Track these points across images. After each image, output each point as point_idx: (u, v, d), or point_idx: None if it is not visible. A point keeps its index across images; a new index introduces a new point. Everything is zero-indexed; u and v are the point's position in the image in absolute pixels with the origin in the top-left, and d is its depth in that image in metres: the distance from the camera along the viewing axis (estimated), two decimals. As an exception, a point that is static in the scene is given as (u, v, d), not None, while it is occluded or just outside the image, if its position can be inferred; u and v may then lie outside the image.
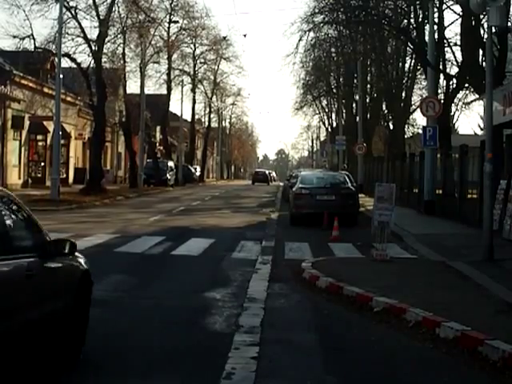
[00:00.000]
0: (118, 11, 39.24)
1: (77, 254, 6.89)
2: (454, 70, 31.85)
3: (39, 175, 40.29)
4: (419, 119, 50.86)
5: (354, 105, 53.46)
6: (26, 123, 37.61)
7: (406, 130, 44.56)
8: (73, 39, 37.06)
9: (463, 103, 41.31)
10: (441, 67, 28.69)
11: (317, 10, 34.86)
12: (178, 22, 52.84)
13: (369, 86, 50.52)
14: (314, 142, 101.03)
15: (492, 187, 14.06)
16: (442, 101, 27.41)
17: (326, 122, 73.30)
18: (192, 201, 34.16)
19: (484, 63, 20.48)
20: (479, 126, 58.43)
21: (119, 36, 40.68)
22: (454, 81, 28.93)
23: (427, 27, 27.63)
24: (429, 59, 25.62)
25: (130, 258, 14.02)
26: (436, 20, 27.12)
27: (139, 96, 46.55)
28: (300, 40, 39.63)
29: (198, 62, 63.86)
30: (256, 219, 24.48)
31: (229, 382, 6.23)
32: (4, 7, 67.48)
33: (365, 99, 48.09)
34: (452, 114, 41.44)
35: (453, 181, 24.22)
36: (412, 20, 31.96)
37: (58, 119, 27.21)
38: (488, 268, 12.46)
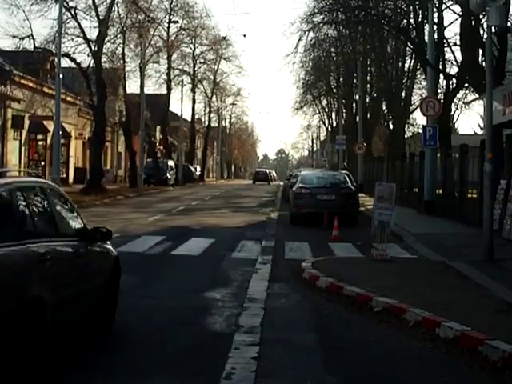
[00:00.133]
0: (118, 11, 39.30)
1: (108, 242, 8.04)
2: (453, 70, 31.91)
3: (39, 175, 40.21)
4: (419, 119, 50.93)
5: (353, 104, 53.46)
6: (26, 123, 37.60)
7: (406, 129, 44.58)
8: (72, 39, 37.13)
9: (463, 103, 41.37)
10: (440, 67, 28.70)
11: (316, 10, 34.91)
12: (177, 22, 52.89)
13: (369, 85, 50.52)
14: (314, 141, 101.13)
15: (492, 187, 14.07)
16: (442, 100, 27.41)
17: (326, 122, 73.41)
18: (192, 200, 34.15)
19: (484, 63, 20.49)
20: (479, 126, 58.50)
21: (119, 36, 40.72)
22: (454, 81, 28.93)
23: (427, 27, 27.64)
24: (428, 59, 25.63)
25: (130, 257, 13.97)
26: (436, 20, 27.12)
27: (139, 96, 46.54)
28: (300, 40, 39.70)
29: (198, 61, 63.93)
30: (256, 219, 24.48)
31: (229, 381, 6.23)
32: (4, 7, 67.49)
33: (365, 99, 48.10)
34: (452, 113, 41.49)
35: (453, 180, 24.23)
36: (412, 20, 31.99)
37: (58, 119, 27.18)
38: (488, 268, 12.47)
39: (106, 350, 7.25)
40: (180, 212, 26.78)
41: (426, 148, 24.68)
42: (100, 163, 38.98)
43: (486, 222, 13.78)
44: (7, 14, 61.91)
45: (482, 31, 24.36)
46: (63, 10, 31.76)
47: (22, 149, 37.90)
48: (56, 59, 29.57)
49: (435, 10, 26.93)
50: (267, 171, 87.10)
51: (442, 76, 30.18)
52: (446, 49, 30.51)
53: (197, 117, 72.48)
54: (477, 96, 29.18)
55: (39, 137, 40.90)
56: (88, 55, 37.55)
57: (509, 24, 21.70)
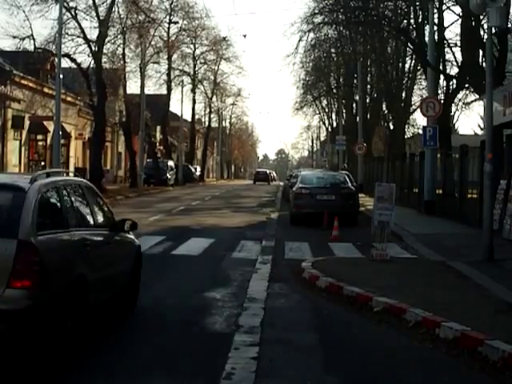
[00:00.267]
0: (118, 12, 39.31)
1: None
2: (454, 71, 31.92)
3: (39, 175, 40.15)
4: (419, 119, 50.97)
5: (354, 105, 53.47)
6: (26, 123, 37.58)
7: (406, 130, 44.57)
8: (73, 39, 37.15)
9: (463, 103, 41.40)
10: (441, 68, 28.69)
11: (317, 11, 34.91)
12: (177, 22, 52.87)
13: (369, 86, 50.53)
14: (314, 141, 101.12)
15: (492, 187, 14.07)
16: (442, 101, 27.41)
17: (326, 122, 73.45)
18: (192, 200, 34.15)
19: (484, 64, 20.49)
20: (479, 126, 58.55)
21: (119, 36, 40.72)
22: (454, 81, 28.93)
23: (427, 28, 27.63)
24: (429, 60, 25.63)
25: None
26: (436, 21, 27.11)
27: (139, 96, 46.54)
28: (300, 40, 39.70)
29: (198, 62, 63.91)
30: (256, 219, 24.48)
31: (229, 382, 6.23)
32: (4, 7, 67.59)
33: (365, 99, 48.10)
34: (452, 114, 41.52)
35: (453, 181, 24.23)
36: (412, 21, 31.96)
37: (58, 119, 27.16)
38: (488, 268, 12.47)
39: (106, 349, 7.25)
40: (180, 212, 26.77)
41: (426, 148, 24.68)
42: (100, 163, 38.97)
43: (486, 222, 13.79)
44: (7, 15, 61.94)
45: (482, 32, 24.37)
46: (63, 10, 31.75)
47: (22, 149, 37.89)
48: (56, 59, 29.56)
49: (435, 10, 26.93)
50: (267, 171, 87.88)
51: (442, 76, 30.18)
52: (446, 49, 30.53)
53: (197, 117, 72.51)
54: (477, 96, 29.25)
55: (39, 137, 40.86)
56: (88, 55, 37.59)
57: (509, 25, 21.71)
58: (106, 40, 38.33)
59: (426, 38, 27.61)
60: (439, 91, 30.27)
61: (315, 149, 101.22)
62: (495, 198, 16.11)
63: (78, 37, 37.12)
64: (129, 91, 48.54)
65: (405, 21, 32.93)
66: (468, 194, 21.87)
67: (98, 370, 6.54)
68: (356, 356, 7.29)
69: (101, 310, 8.17)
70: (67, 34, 36.07)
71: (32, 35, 34.27)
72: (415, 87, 44.46)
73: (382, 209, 13.74)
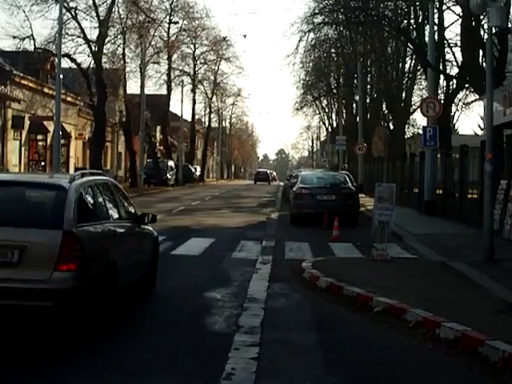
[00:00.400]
0: (118, 12, 39.39)
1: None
2: (454, 71, 31.89)
3: (39, 175, 40.12)
4: (419, 119, 50.97)
5: (354, 105, 53.46)
6: (26, 123, 37.60)
7: (406, 130, 44.54)
8: (73, 40, 37.24)
9: (463, 103, 41.38)
10: (441, 68, 28.68)
11: (317, 11, 34.86)
12: (177, 22, 52.88)
13: (369, 86, 50.50)
14: (314, 142, 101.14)
15: (492, 187, 14.06)
16: (442, 101, 27.40)
17: (326, 122, 73.43)
18: (192, 200, 34.15)
19: (484, 64, 20.48)
20: (479, 127, 58.52)
21: (119, 36, 40.79)
22: (454, 81, 28.92)
23: (427, 28, 27.61)
24: (429, 60, 25.61)
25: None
26: (436, 21, 27.11)
27: (139, 96, 46.54)
28: (300, 40, 39.64)
29: (198, 62, 63.92)
30: (256, 219, 24.48)
31: (229, 382, 6.23)
32: (4, 8, 67.62)
33: (365, 99, 48.09)
34: (452, 114, 41.46)
35: (453, 181, 24.22)
36: (412, 21, 31.93)
37: (58, 119, 27.18)
38: (488, 268, 12.46)
39: (106, 349, 7.24)
40: (180, 212, 26.77)
41: (427, 148, 24.67)
42: (100, 163, 38.99)
43: (486, 222, 13.78)
44: (8, 15, 62.04)
45: (482, 32, 24.36)
46: (63, 10, 31.82)
47: (22, 149, 37.90)
48: (56, 59, 29.59)
49: (436, 10, 26.92)
50: (268, 171, 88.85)
51: (442, 77, 30.18)
52: (446, 49, 30.52)
53: (197, 117, 72.53)
54: (477, 97, 29.27)
55: (39, 137, 40.88)
56: (88, 56, 37.67)
57: (509, 25, 21.69)
58: (106, 40, 38.39)
59: (426, 38, 27.59)
60: (439, 91, 30.27)
61: (315, 149, 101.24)
62: (495, 198, 16.10)
63: (78, 37, 37.21)
64: (129, 91, 48.60)
65: (405, 21, 32.91)
66: (468, 194, 21.86)
67: (97, 369, 6.54)
68: (356, 356, 7.28)
69: (126, 293, 9.15)
70: (67, 34, 36.17)
71: (32, 35, 34.36)
72: (415, 87, 44.48)
73: (383, 209, 13.73)
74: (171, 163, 55.26)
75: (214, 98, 74.81)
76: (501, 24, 14.20)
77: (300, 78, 56.27)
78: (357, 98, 48.54)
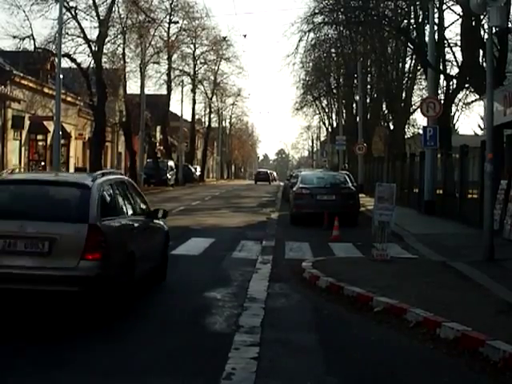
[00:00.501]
0: (118, 11, 39.38)
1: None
2: (454, 71, 31.87)
3: (39, 175, 40.07)
4: (419, 119, 50.98)
5: (354, 105, 53.44)
6: (26, 123, 37.58)
7: (406, 130, 44.53)
8: (73, 39, 37.23)
9: (463, 103, 41.38)
10: (441, 68, 28.66)
11: (317, 11, 34.87)
12: (177, 22, 52.90)
13: (369, 86, 50.49)
14: (315, 141, 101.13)
15: (492, 187, 14.06)
16: (442, 101, 27.38)
17: (327, 122, 73.42)
18: (192, 200, 34.14)
19: (484, 64, 20.48)
20: (479, 127, 58.48)
21: (119, 36, 40.79)
22: (455, 81, 28.91)
23: (427, 28, 27.60)
24: (429, 60, 25.60)
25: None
26: (436, 20, 27.09)
27: (139, 96, 46.56)
28: (300, 40, 39.64)
29: (198, 62, 63.95)
30: (256, 219, 24.47)
31: (229, 382, 6.22)
32: (4, 7, 67.63)
33: (365, 99, 48.07)
34: (452, 114, 41.44)
35: (453, 181, 24.21)
36: (412, 20, 31.90)
37: (58, 119, 27.17)
38: (488, 268, 12.46)
39: (106, 348, 7.24)
40: (180, 212, 26.75)
41: (427, 148, 24.66)
42: (100, 163, 38.98)
43: (486, 222, 13.77)
44: (7, 14, 61.93)
45: (482, 32, 24.33)
46: (63, 10, 31.81)
47: (22, 149, 37.89)
48: (56, 59, 29.58)
49: (436, 10, 26.91)
50: (268, 171, 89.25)
51: (442, 77, 30.17)
52: (446, 49, 30.50)
53: (197, 117, 72.55)
54: (477, 97, 29.28)
55: (39, 137, 40.85)
56: (88, 55, 37.65)
57: (510, 25, 21.68)
58: (106, 40, 38.38)
59: (426, 38, 27.58)
60: (439, 91, 30.25)
61: (315, 149, 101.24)
62: (496, 198, 16.10)
63: (78, 37, 37.20)
64: (129, 91, 48.59)
65: (405, 21, 32.88)
66: (468, 194, 21.85)
67: (94, 366, 6.53)
68: (356, 356, 7.27)
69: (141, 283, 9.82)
70: (67, 33, 36.15)
71: (32, 35, 34.34)
72: (415, 87, 44.46)
73: (383, 209, 13.73)
74: (171, 163, 55.26)
75: (214, 98, 74.91)
76: (501, 24, 14.19)
77: (300, 78, 56.34)
78: (357, 98, 48.53)
